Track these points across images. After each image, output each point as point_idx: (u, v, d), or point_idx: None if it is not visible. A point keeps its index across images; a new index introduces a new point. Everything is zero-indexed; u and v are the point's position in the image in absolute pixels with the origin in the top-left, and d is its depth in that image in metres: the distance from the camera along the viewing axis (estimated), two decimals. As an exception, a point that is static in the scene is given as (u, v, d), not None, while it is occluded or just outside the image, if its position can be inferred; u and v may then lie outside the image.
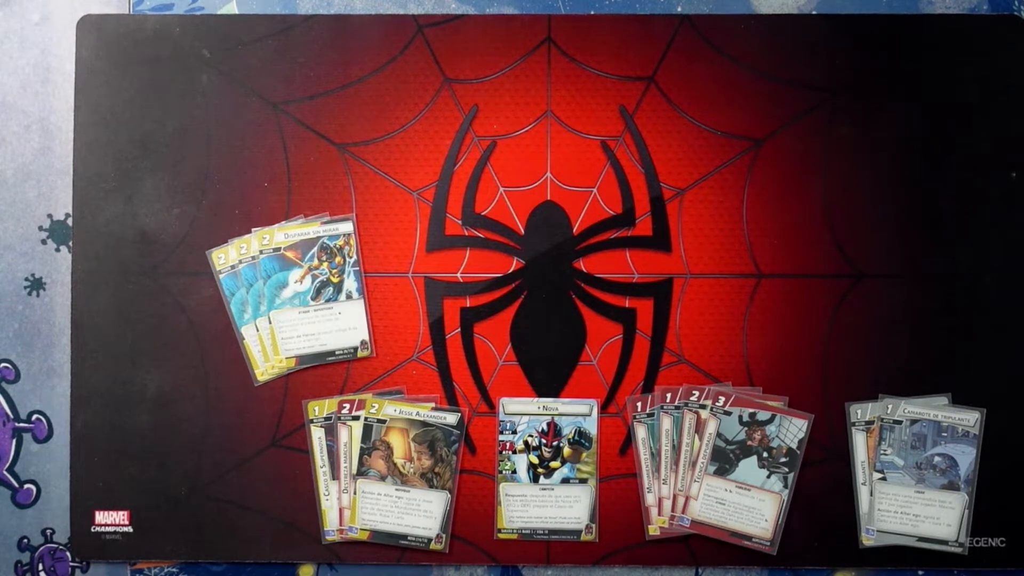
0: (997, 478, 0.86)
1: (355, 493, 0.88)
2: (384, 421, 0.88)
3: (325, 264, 0.89)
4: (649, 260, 0.89)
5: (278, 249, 0.89)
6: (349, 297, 0.89)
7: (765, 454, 0.87)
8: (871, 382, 0.87)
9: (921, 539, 0.86)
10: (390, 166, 0.89)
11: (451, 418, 0.88)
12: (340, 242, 0.89)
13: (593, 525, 0.88)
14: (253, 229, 0.89)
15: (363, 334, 0.88)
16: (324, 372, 0.89)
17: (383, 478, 0.88)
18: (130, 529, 0.88)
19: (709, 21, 0.89)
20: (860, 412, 0.87)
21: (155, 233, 0.89)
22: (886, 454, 0.87)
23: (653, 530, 0.87)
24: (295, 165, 0.89)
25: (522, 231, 0.89)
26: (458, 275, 0.89)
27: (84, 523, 0.88)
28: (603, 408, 0.88)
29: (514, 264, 0.89)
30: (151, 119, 0.89)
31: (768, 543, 0.87)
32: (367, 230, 0.89)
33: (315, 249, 0.89)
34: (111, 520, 0.88)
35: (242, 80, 0.89)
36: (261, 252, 0.89)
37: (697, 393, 0.88)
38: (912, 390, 0.87)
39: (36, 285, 0.91)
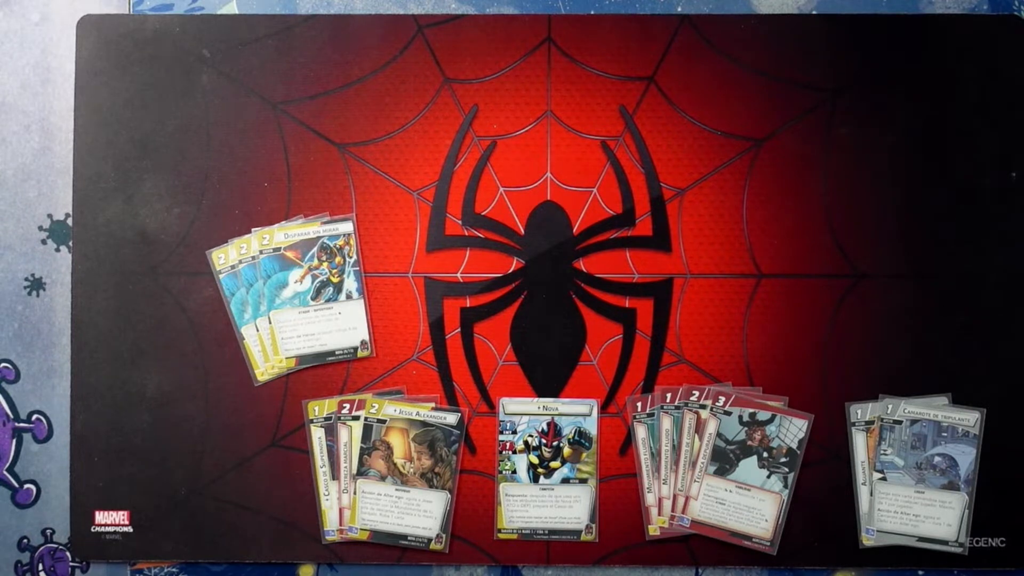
0: (997, 478, 0.86)
1: (355, 493, 0.88)
2: (384, 421, 0.88)
3: (325, 264, 0.89)
4: (649, 260, 0.89)
5: (278, 249, 0.89)
6: (349, 297, 0.89)
7: (765, 454, 0.87)
8: (871, 382, 0.87)
9: (921, 539, 0.86)
10: (390, 166, 0.89)
11: (451, 418, 0.88)
12: (340, 242, 0.89)
13: (593, 525, 0.88)
14: (253, 229, 0.89)
15: (363, 334, 0.88)
16: (324, 372, 0.89)
17: (383, 478, 0.88)
18: (130, 529, 0.88)
19: (709, 21, 0.89)
20: (860, 412, 0.87)
21: (155, 233, 0.89)
22: (886, 454, 0.87)
23: (653, 530, 0.87)
24: (295, 165, 0.89)
25: (522, 231, 0.89)
26: (458, 275, 0.89)
27: (84, 523, 0.88)
28: (603, 408, 0.88)
29: (514, 264, 0.89)
30: (151, 119, 0.89)
31: (768, 543, 0.87)
32: (367, 230, 0.89)
33: (315, 249, 0.89)
34: (111, 520, 0.88)
35: (242, 80, 0.89)
36: (261, 252, 0.89)
37: (697, 393, 0.88)
38: (912, 390, 0.87)
39: (36, 285, 0.91)
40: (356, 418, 0.88)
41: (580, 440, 0.88)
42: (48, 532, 0.91)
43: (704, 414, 0.87)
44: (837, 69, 0.88)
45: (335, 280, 0.89)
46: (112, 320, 0.88)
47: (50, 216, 0.91)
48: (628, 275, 0.89)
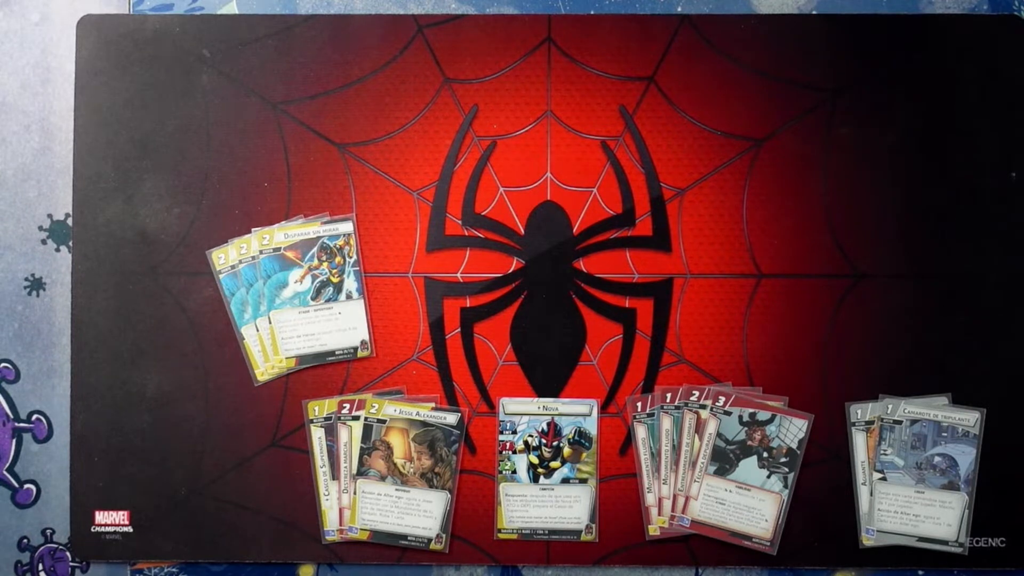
0: (997, 478, 0.86)
1: (355, 493, 0.88)
2: (384, 421, 0.88)
3: (325, 264, 0.89)
4: (649, 260, 0.89)
5: (278, 249, 0.89)
6: (349, 297, 0.89)
7: (765, 454, 0.87)
8: (871, 382, 0.87)
9: (921, 539, 0.86)
10: (390, 166, 0.89)
11: (451, 418, 0.88)
12: (340, 242, 0.89)
13: (593, 525, 0.88)
14: (253, 229, 0.89)
15: (363, 334, 0.88)
16: (324, 372, 0.89)
17: (383, 478, 0.88)
18: (130, 529, 0.88)
19: (709, 21, 0.89)
20: (860, 412, 0.87)
21: (155, 233, 0.89)
22: (886, 454, 0.87)
23: (653, 530, 0.87)
24: (295, 165, 0.89)
25: (522, 231, 0.89)
26: (458, 275, 0.89)
27: (84, 523, 0.88)
28: (603, 408, 0.88)
29: (514, 264, 0.89)
30: (151, 119, 0.89)
31: (768, 543, 0.87)
32: (367, 230, 0.89)
33: (315, 249, 0.89)
34: (111, 520, 0.88)
35: (242, 80, 0.89)
36: (261, 252, 0.89)
37: (697, 393, 0.88)
38: (912, 390, 0.87)
39: (36, 285, 0.91)
40: (356, 418, 0.88)
41: (580, 440, 0.88)
42: (48, 532, 0.91)
43: (704, 414, 0.87)
44: (837, 69, 0.88)
45: (335, 280, 0.89)
46: (112, 320, 0.88)
47: (50, 216, 0.91)
48: (628, 275, 0.89)
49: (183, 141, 0.89)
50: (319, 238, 0.89)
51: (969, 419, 0.86)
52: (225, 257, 0.89)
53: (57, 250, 0.91)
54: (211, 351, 0.88)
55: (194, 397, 0.88)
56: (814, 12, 0.90)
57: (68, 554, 0.90)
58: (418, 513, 0.87)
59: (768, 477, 0.87)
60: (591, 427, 0.88)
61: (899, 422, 0.87)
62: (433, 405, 0.88)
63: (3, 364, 0.91)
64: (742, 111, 0.88)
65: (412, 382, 0.89)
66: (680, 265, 0.88)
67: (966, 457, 0.86)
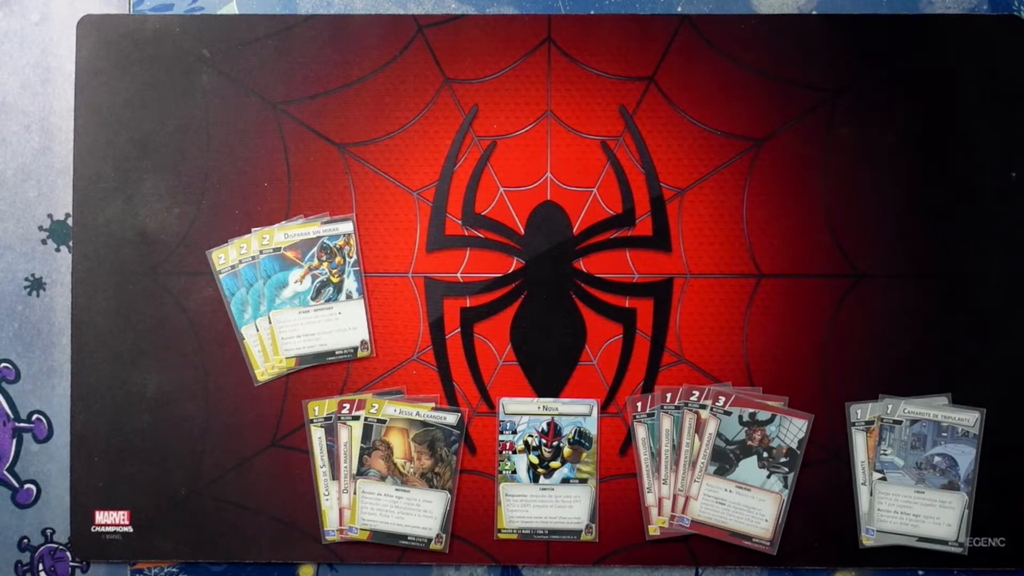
0: (997, 478, 0.86)
1: (355, 493, 0.88)
2: (384, 421, 0.88)
3: (325, 264, 0.89)
4: (649, 260, 0.89)
5: (278, 249, 0.89)
6: (349, 297, 0.89)
7: (765, 454, 0.87)
8: (871, 382, 0.87)
9: (921, 539, 0.86)
10: (390, 166, 0.89)
11: (451, 418, 0.88)
12: (340, 242, 0.89)
13: (593, 525, 0.88)
14: (253, 229, 0.89)
15: (363, 334, 0.88)
16: (324, 372, 0.89)
17: (383, 478, 0.88)
18: (130, 529, 0.88)
19: (709, 21, 0.89)
20: (860, 412, 0.87)
21: (155, 233, 0.89)
22: (886, 454, 0.87)
23: (653, 530, 0.87)
24: (295, 165, 0.89)
25: (522, 231, 0.89)
26: (458, 275, 0.89)
27: (84, 523, 0.88)
28: (603, 408, 0.88)
29: (514, 264, 0.89)
30: (151, 119, 0.89)
31: (768, 543, 0.87)
32: (367, 230, 0.89)
33: (315, 249, 0.89)
34: (111, 520, 0.88)
35: (242, 80, 0.89)
36: (261, 252, 0.89)
37: (697, 393, 0.88)
38: (912, 390, 0.87)
39: (36, 285, 0.91)
40: (356, 418, 0.88)
41: (580, 440, 0.88)
42: (48, 532, 0.91)
43: (704, 414, 0.87)
44: (837, 69, 0.88)
45: (335, 280, 0.89)
46: (112, 320, 0.88)
47: (50, 216, 0.91)
48: (628, 275, 0.89)
49: (183, 141, 0.89)
50: (319, 238, 0.89)
51: (969, 419, 0.86)
52: (225, 257, 0.89)
53: (57, 250, 0.91)
54: (211, 351, 0.88)
55: (194, 397, 0.88)
56: (814, 12, 0.90)
57: (68, 554, 0.90)
58: (418, 513, 0.87)
59: (768, 477, 0.87)
60: (591, 427, 0.88)
61: (899, 422, 0.87)
62: (433, 405, 0.88)
63: (3, 364, 0.91)
64: (742, 111, 0.88)
65: (412, 382, 0.89)
66: (680, 265, 0.88)
67: (966, 457, 0.86)
